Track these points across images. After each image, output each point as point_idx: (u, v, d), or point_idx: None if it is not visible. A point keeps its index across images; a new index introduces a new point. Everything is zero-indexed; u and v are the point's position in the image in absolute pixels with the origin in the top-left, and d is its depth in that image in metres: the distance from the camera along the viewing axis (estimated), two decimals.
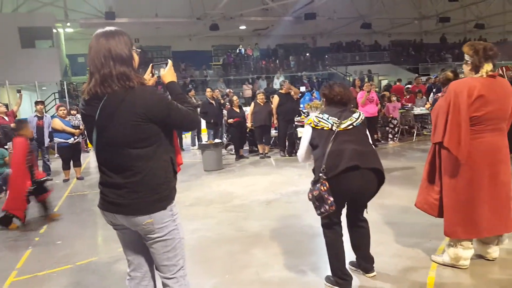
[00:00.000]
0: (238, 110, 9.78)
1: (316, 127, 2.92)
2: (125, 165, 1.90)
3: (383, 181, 2.94)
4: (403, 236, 4.05)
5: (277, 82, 19.36)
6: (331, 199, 2.72)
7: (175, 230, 2.05)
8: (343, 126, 2.87)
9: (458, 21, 24.05)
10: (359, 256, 3.16)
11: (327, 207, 2.74)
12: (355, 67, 23.40)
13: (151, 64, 2.21)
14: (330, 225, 2.97)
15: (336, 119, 2.89)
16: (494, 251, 3.26)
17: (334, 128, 2.85)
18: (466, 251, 3.14)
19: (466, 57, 3.01)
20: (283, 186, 6.57)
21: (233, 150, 10.06)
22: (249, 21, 21.34)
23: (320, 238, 3.15)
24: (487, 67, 2.91)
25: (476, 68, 2.96)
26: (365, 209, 3.07)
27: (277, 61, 23.91)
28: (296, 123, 9.31)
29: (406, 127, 11.03)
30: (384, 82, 22.25)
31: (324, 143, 2.85)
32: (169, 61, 2.18)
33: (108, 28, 1.93)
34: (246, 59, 23.54)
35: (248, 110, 10.06)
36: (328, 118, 2.90)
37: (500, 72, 10.53)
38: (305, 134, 3.06)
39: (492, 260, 3.29)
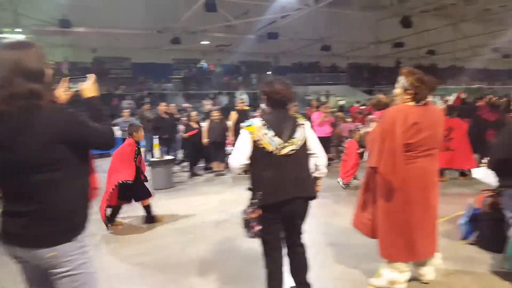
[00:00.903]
0: (196, 126, 9.59)
1: (257, 142, 2.72)
2: (27, 192, 1.71)
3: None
4: (346, 257, 4.05)
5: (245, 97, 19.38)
6: (259, 227, 2.67)
7: (85, 263, 1.85)
8: (285, 150, 2.74)
9: (412, 47, 25.14)
10: (297, 283, 3.08)
11: (253, 234, 2.72)
12: (315, 87, 23.87)
13: (67, 78, 2.04)
14: (268, 253, 2.90)
15: (281, 140, 2.73)
16: (428, 273, 3.33)
17: (275, 152, 2.73)
18: (401, 275, 3.20)
19: (407, 84, 3.04)
20: (235, 205, 6.38)
21: (189, 167, 9.83)
22: (212, 36, 21.32)
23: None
24: (429, 97, 3.05)
25: (419, 99, 3.03)
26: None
27: (240, 78, 23.97)
28: None
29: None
30: (341, 103, 22.85)
31: (264, 166, 2.74)
32: (93, 75, 2.04)
33: (17, 40, 1.77)
34: (208, 74, 23.43)
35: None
36: (273, 137, 2.72)
37: (463, 96, 10.93)
38: (244, 139, 2.77)
39: (427, 282, 3.34)
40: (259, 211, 2.70)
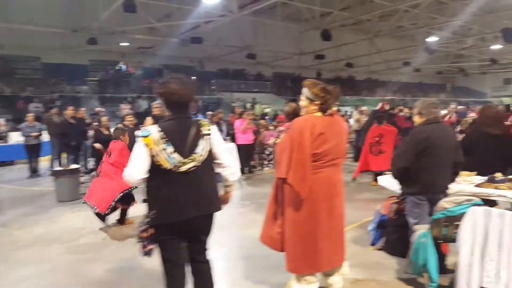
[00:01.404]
0: (107, 132, 8.93)
1: (153, 158, 2.44)
2: None
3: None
4: (258, 270, 3.93)
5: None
6: (151, 246, 2.49)
7: None
8: (185, 168, 2.48)
9: (332, 59, 26.32)
10: None
11: (145, 253, 2.52)
12: (241, 94, 23.96)
13: None
14: (168, 272, 2.66)
15: (180, 158, 2.45)
16: (336, 283, 3.29)
17: (174, 169, 2.46)
18: (310, 286, 3.14)
19: (311, 96, 3.03)
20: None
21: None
22: (132, 38, 20.46)
23: None
24: (334, 107, 3.07)
25: (325, 109, 3.04)
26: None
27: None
28: None
29: None
30: (267, 111, 23.19)
31: (159, 183, 2.49)
32: None
33: None
34: (127, 77, 22.41)
35: None
36: (171, 154, 2.44)
37: (387, 107, 11.54)
38: (139, 151, 2.47)
39: None
40: (151, 230, 2.48)
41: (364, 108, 15.38)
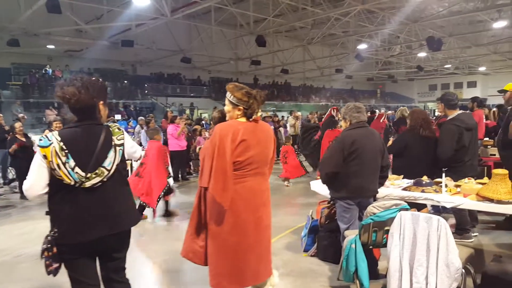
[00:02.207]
0: (23, 139, 8.20)
1: (54, 171, 2.16)
2: None
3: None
4: (180, 285, 3.74)
5: None
6: (56, 266, 2.21)
7: None
8: (89, 183, 2.21)
9: (268, 65, 26.63)
10: None
11: (50, 272, 2.23)
12: (176, 99, 23.41)
13: None
14: None
15: (83, 173, 2.18)
16: None
17: (77, 185, 2.19)
18: None
19: (234, 100, 2.83)
20: None
21: (18, 188, 8.40)
22: (59, 40, 19.23)
23: None
24: (259, 113, 2.90)
25: (249, 114, 2.85)
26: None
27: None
28: None
29: None
30: (204, 115, 22.89)
31: (61, 199, 2.22)
32: None
33: None
34: (54, 81, 21.00)
35: None
36: (73, 169, 2.16)
37: (333, 113, 11.80)
38: (38, 163, 2.19)
39: None
40: (54, 249, 2.19)
41: (298, 113, 15.69)
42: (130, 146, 2.52)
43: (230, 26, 20.79)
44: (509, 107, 4.95)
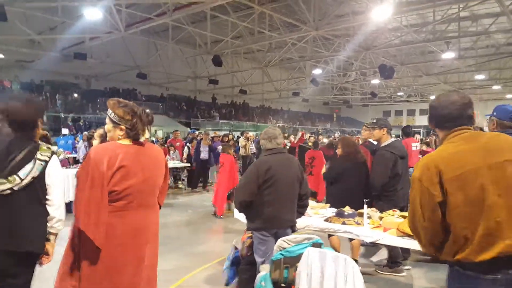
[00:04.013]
0: None
1: None
2: None
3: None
4: None
5: None
6: None
7: None
8: (1, 188, 2.20)
9: (227, 85, 26.61)
10: None
11: None
12: None
13: None
14: None
15: None
16: None
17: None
18: None
19: (116, 118, 2.42)
20: None
21: None
22: (8, 50, 18.32)
23: None
24: (147, 133, 2.52)
25: (134, 136, 2.45)
26: None
27: (42, 98, 21.05)
28: None
29: None
30: (159, 133, 22.39)
31: None
32: None
33: None
34: (1, 92, 19.93)
35: None
36: None
37: (305, 136, 12.21)
38: None
39: None
40: None
41: (250, 134, 15.63)
42: (55, 173, 2.42)
43: (188, 45, 20.69)
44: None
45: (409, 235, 3.14)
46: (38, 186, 2.35)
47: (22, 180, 2.27)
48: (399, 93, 34.17)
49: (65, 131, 17.89)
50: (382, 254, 4.97)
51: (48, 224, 2.46)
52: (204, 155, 10.82)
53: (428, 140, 11.29)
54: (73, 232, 2.43)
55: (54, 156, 2.45)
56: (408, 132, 7.67)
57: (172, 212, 8.29)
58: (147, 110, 2.56)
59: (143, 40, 20.24)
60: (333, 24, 15.51)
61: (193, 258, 5.24)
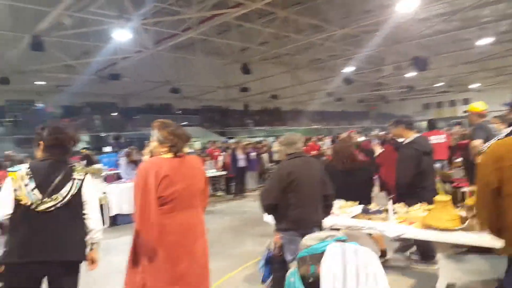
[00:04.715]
0: None
1: (15, 192, 2.49)
2: None
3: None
4: None
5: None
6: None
7: None
8: (44, 206, 2.49)
9: (257, 92, 26.85)
10: None
11: None
12: None
13: None
14: None
15: (40, 195, 2.50)
16: None
17: (32, 206, 2.47)
18: None
19: (161, 138, 2.92)
20: None
21: None
22: (48, 76, 19.53)
23: None
24: (185, 149, 3.02)
25: (175, 151, 2.92)
26: None
27: (82, 119, 22.19)
28: None
29: None
30: (196, 144, 22.90)
31: (18, 219, 2.50)
32: None
33: None
34: (45, 117, 21.18)
35: None
36: (33, 190, 2.50)
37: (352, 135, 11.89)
38: (7, 186, 2.54)
39: None
40: (2, 268, 2.45)
41: None
42: (89, 190, 2.72)
43: (216, 56, 21.09)
44: (472, 127, 4.94)
45: (433, 228, 3.16)
46: (76, 202, 2.65)
47: (64, 198, 2.56)
48: (437, 84, 33.06)
49: (107, 149, 18.69)
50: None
51: (89, 235, 2.74)
52: (241, 163, 11.13)
53: (466, 132, 10.94)
54: (135, 234, 2.90)
55: (88, 175, 2.78)
56: (431, 125, 7.57)
57: (213, 218, 8.57)
58: (186, 132, 3.06)
59: (172, 55, 20.86)
60: (359, 20, 15.40)
61: (233, 259, 5.45)
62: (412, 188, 4.24)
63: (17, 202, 2.49)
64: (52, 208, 2.53)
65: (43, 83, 20.64)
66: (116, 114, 23.70)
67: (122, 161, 11.92)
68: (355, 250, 2.76)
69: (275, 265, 4.17)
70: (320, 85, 30.11)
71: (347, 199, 4.28)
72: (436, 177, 4.82)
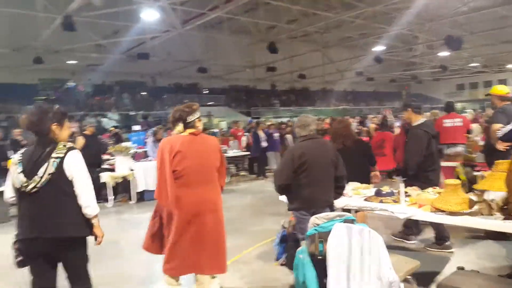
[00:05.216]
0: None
1: (12, 178, 2.69)
2: None
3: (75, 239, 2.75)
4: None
5: (106, 120, 18.36)
6: (19, 259, 2.68)
7: None
8: (28, 188, 2.60)
9: (285, 71, 26.60)
10: None
11: (16, 264, 2.71)
12: None
13: None
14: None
15: (24, 178, 2.59)
16: None
17: (22, 189, 2.61)
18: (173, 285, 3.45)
19: (173, 119, 3.38)
20: None
21: None
22: (80, 56, 20.07)
23: None
24: (178, 127, 3.31)
25: (190, 127, 3.33)
26: None
27: (113, 98, 22.81)
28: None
29: None
30: (222, 124, 23.14)
31: (18, 201, 2.73)
32: None
33: None
34: (76, 95, 21.95)
35: None
36: (19, 173, 2.62)
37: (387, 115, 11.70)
38: (9, 173, 2.75)
39: None
40: (16, 244, 2.69)
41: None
42: (72, 166, 2.67)
43: (243, 34, 20.99)
44: (493, 110, 4.85)
45: (442, 211, 3.17)
46: (59, 181, 2.63)
47: (41, 178, 2.58)
48: (472, 64, 31.76)
49: (136, 127, 19.21)
50: (430, 232, 4.94)
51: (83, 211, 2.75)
52: (263, 143, 11.21)
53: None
54: (156, 203, 3.43)
55: (72, 152, 2.70)
56: (448, 107, 7.42)
57: (234, 197, 8.79)
58: (175, 110, 3.38)
59: (200, 34, 20.91)
60: None
61: (250, 237, 5.61)
62: (421, 170, 4.29)
63: (13, 186, 2.67)
64: (35, 189, 2.58)
65: (74, 62, 21.22)
66: (145, 93, 24.15)
67: (149, 139, 12.28)
68: (360, 230, 2.84)
69: (289, 243, 4.31)
70: (350, 64, 29.44)
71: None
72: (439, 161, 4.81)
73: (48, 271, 2.75)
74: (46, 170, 2.60)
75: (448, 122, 7.23)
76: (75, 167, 2.70)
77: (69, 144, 2.77)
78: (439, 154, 4.55)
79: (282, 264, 4.35)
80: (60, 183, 2.64)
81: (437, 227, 4.46)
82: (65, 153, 2.68)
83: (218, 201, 3.36)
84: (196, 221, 3.21)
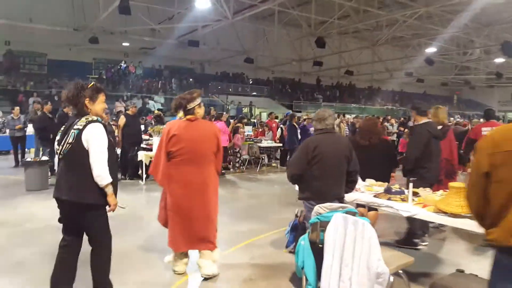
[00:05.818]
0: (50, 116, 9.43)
1: None
2: None
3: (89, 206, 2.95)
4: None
5: (152, 103, 19.11)
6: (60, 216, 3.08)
7: None
8: (60, 156, 2.99)
9: (332, 66, 26.34)
10: (93, 283, 3.15)
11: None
12: (236, 97, 24.23)
13: None
14: (60, 245, 3.12)
15: (57, 146, 2.97)
16: (204, 266, 3.76)
17: (58, 155, 3.00)
18: (177, 261, 3.86)
19: (174, 106, 3.85)
20: None
21: None
22: (133, 39, 20.99)
23: None
24: (180, 113, 3.78)
25: (189, 113, 3.73)
26: None
27: (161, 81, 23.68)
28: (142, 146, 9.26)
29: (253, 157, 11.56)
30: (263, 115, 23.41)
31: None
32: None
33: None
34: (127, 76, 22.96)
35: None
36: (56, 141, 2.99)
37: None
38: None
39: (207, 276, 3.77)
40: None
41: (348, 116, 15.58)
42: (89, 138, 2.87)
43: (294, 28, 21.01)
44: None
45: (444, 213, 3.26)
46: (77, 149, 2.84)
47: (63, 147, 2.88)
48: None
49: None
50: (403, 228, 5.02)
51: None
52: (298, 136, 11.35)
53: None
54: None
55: (92, 124, 2.87)
56: (488, 115, 7.22)
57: (261, 186, 9.07)
58: (177, 98, 3.83)
59: (251, 25, 21.17)
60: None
61: (267, 224, 5.82)
62: (416, 166, 4.50)
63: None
64: (61, 156, 2.93)
65: (127, 44, 22.20)
66: (191, 80, 24.83)
67: None
68: (355, 221, 3.00)
69: (299, 231, 4.49)
70: (400, 64, 28.71)
71: (366, 175, 4.46)
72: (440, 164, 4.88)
73: (73, 233, 3.06)
74: (67, 139, 2.89)
75: (486, 131, 7.05)
76: (91, 138, 2.86)
77: (92, 118, 2.95)
78: (439, 154, 4.74)
79: (290, 252, 4.54)
80: (78, 152, 2.86)
81: (411, 222, 4.63)
82: (84, 126, 2.87)
83: (208, 183, 3.75)
84: (184, 201, 3.65)
